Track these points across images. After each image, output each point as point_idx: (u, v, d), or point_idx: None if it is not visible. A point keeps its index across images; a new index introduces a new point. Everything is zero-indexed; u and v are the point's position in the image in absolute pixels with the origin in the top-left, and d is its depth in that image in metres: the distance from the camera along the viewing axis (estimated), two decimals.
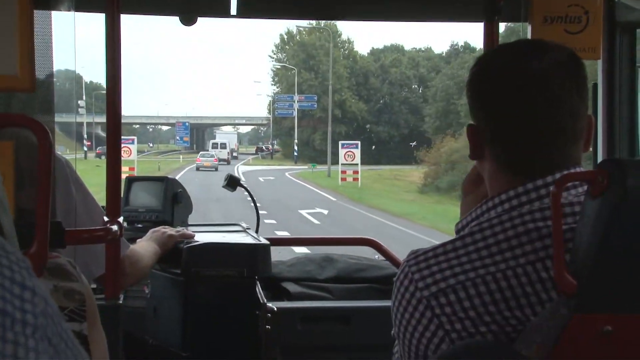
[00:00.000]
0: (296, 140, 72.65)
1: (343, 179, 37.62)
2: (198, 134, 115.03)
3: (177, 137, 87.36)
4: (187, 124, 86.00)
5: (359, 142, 39.79)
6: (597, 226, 1.12)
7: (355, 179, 37.38)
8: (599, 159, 2.57)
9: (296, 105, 73.27)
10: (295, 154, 72.57)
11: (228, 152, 69.65)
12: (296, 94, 74.12)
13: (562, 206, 1.29)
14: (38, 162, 0.92)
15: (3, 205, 0.72)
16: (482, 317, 1.24)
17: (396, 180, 45.28)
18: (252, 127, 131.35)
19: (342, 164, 38.12)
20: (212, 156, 58.58)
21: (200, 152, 66.46)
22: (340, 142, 39.42)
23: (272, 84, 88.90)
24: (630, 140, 2.58)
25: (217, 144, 73.42)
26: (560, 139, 1.34)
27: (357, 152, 37.61)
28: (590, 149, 1.46)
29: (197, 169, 53.16)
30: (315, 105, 73.47)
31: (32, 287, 0.55)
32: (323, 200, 30.39)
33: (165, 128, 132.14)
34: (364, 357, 2.78)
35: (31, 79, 1.53)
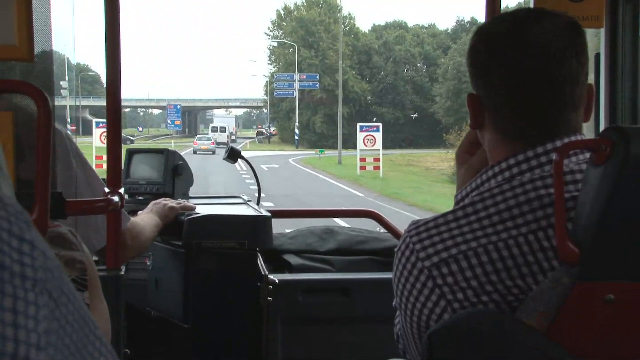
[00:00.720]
0: (297, 123, 69.17)
1: (362, 167, 31.95)
2: (190, 117, 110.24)
3: (169, 121, 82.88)
4: (178, 106, 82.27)
5: (380, 125, 33.94)
6: (600, 194, 1.11)
7: (377, 167, 31.75)
8: (602, 127, 2.56)
9: (297, 85, 70.26)
10: (296, 138, 69.02)
11: (228, 136, 69.53)
12: (296, 72, 70.87)
13: (564, 174, 1.29)
14: (37, 128, 0.91)
15: (2, 170, 0.72)
16: (484, 287, 1.24)
17: (411, 167, 39.92)
18: (245, 109, 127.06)
19: (360, 150, 32.36)
20: (208, 139, 59.46)
21: (197, 136, 67.70)
22: (358, 125, 33.43)
23: (268, 63, 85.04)
24: (633, 109, 2.56)
25: (216, 127, 73.31)
26: (560, 104, 1.34)
27: (379, 137, 32.01)
28: (593, 117, 1.46)
29: (195, 152, 53.52)
30: (318, 85, 70.28)
31: (31, 239, 0.54)
32: (347, 196, 23.99)
33: (156, 112, 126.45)
34: (365, 328, 2.79)
35: (29, 49, 1.51)
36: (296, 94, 70.77)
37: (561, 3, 2.38)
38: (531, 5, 2.40)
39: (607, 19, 2.53)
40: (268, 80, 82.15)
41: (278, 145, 76.85)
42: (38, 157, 0.93)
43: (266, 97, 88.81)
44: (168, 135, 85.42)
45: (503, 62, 1.35)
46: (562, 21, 1.36)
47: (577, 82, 1.35)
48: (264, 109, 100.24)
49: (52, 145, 0.97)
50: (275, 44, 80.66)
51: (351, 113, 71.34)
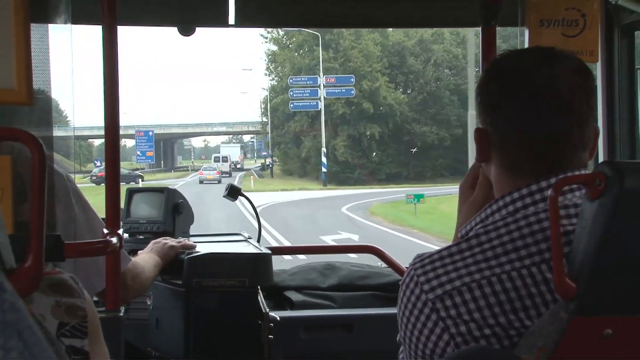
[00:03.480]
0: (324, 149, 50.97)
1: None
2: (166, 147, 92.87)
3: (138, 152, 62.14)
4: (150, 133, 63.41)
5: None
6: (595, 229, 1.11)
7: None
8: (600, 161, 2.57)
9: (322, 93, 50.42)
10: (324, 170, 50.81)
11: (229, 165, 70.00)
12: (322, 74, 50.96)
13: (567, 207, 1.31)
14: (32, 175, 0.92)
15: None
16: (487, 320, 1.24)
17: None
18: (229, 136, 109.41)
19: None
20: (214, 169, 59.83)
21: (203, 166, 66.48)
22: None
23: (266, 74, 65.26)
24: (631, 143, 2.58)
25: (219, 157, 72.86)
26: (567, 147, 1.36)
27: None
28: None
29: (201, 182, 54.72)
30: (353, 91, 50.68)
31: (0, 282, 0.54)
32: None
33: (130, 144, 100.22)
34: None
35: (28, 92, 1.53)
36: (322, 105, 50.84)
37: (556, 37, 2.41)
38: (526, 41, 2.43)
39: (603, 53, 2.55)
40: (268, 95, 64.68)
41: (289, 181, 57.31)
42: (33, 205, 0.93)
43: (262, 118, 72.97)
44: (137, 170, 62.58)
45: (512, 102, 1.37)
46: (573, 63, 1.38)
47: (586, 125, 1.37)
48: (263, 135, 78.49)
49: (46, 190, 0.98)
50: (275, 48, 61.65)
51: (383, 133, 55.02)
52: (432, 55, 57.47)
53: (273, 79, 63.72)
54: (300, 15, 3.05)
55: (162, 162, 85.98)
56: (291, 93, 52.12)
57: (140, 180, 52.53)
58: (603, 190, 1.12)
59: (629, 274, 1.13)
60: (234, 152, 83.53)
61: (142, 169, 66.03)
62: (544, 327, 1.17)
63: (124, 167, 58.72)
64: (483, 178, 1.55)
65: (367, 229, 22.23)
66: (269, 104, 63.44)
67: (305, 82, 52.32)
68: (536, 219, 1.30)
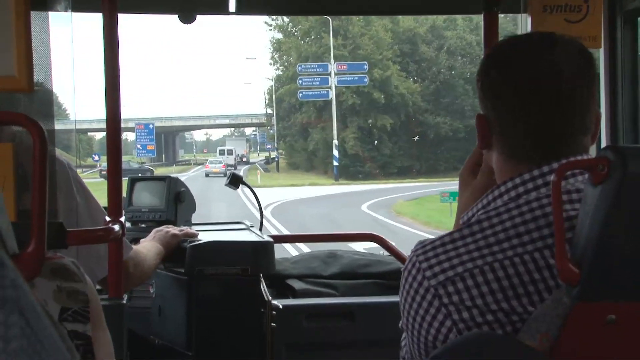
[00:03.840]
0: (335, 141, 47.25)
1: None
2: (167, 140, 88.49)
3: (139, 146, 57.94)
4: (151, 126, 59.06)
5: None
6: (598, 214, 1.11)
7: None
8: (602, 146, 2.56)
9: (333, 81, 46.49)
10: (335, 164, 47.17)
11: (235, 158, 69.80)
12: (332, 60, 47.25)
13: (570, 192, 1.30)
14: (33, 161, 0.92)
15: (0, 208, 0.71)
16: (489, 306, 1.24)
17: None
18: (231, 129, 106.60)
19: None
20: (220, 163, 59.86)
21: (209, 160, 66.19)
22: None
23: (270, 64, 62.68)
24: (634, 129, 2.57)
25: (224, 150, 72.44)
26: (569, 133, 1.36)
27: None
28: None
29: (207, 175, 54.60)
30: (367, 79, 46.96)
31: (1, 258, 0.54)
32: None
33: (131, 137, 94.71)
34: (369, 353, 2.77)
35: (29, 79, 1.52)
36: (332, 94, 47.18)
37: (559, 23, 2.40)
38: (528, 25, 2.42)
39: (606, 39, 2.54)
40: (273, 85, 60.58)
41: (296, 175, 53.70)
42: (34, 190, 0.93)
43: (267, 110, 69.37)
44: (140, 164, 57.97)
45: (514, 88, 1.37)
46: (575, 49, 1.38)
47: (588, 111, 1.37)
48: (267, 127, 74.68)
49: (48, 176, 0.98)
50: (280, 35, 58.07)
51: (395, 125, 51.86)
52: (445, 42, 53.87)
53: (278, 68, 60.53)
54: (301, 3, 3.04)
55: (163, 155, 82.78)
56: (300, 81, 47.80)
57: (150, 174, 51.41)
58: (606, 175, 1.11)
59: (632, 259, 1.12)
60: (239, 145, 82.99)
61: (143, 163, 61.14)
62: (547, 312, 1.16)
63: (131, 161, 58.26)
64: (485, 164, 1.54)
65: (397, 232, 19.08)
66: (274, 95, 59.65)
67: (315, 70, 47.99)
68: (538, 204, 1.30)
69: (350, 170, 49.49)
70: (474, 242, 1.30)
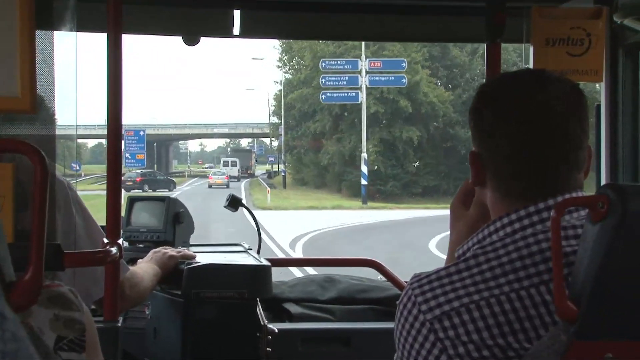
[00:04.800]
0: (364, 154, 38.19)
1: None
2: (160, 149, 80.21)
3: (127, 155, 47.72)
4: (142, 132, 50.63)
5: None
6: (597, 252, 1.11)
7: None
8: (602, 181, 2.56)
9: (363, 80, 37.26)
10: (364, 182, 37.67)
11: (238, 170, 68.89)
12: (363, 56, 37.85)
13: (566, 229, 1.30)
14: (33, 188, 0.92)
15: None
16: (485, 341, 1.23)
17: None
18: (226, 140, 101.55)
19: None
20: (223, 174, 59.75)
21: (212, 171, 65.47)
22: None
23: (278, 66, 54.16)
24: (634, 164, 2.57)
25: (227, 162, 72.21)
26: (563, 171, 1.36)
27: None
28: (594, 170, 1.47)
29: (210, 186, 53.98)
30: (405, 80, 37.99)
31: (1, 311, 0.54)
32: None
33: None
34: None
35: (32, 101, 1.53)
36: (363, 97, 38.38)
37: (561, 56, 2.41)
38: (530, 59, 2.43)
39: (607, 72, 2.56)
40: (282, 90, 52.98)
41: (307, 194, 45.80)
42: (34, 217, 0.93)
43: (273, 118, 62.72)
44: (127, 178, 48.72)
45: (506, 128, 1.37)
46: (566, 87, 1.38)
47: (580, 147, 1.37)
48: (272, 138, 69.69)
49: (48, 201, 0.98)
50: None
51: (422, 138, 43.99)
52: (479, 46, 41.92)
53: (287, 71, 53.37)
54: (305, 28, 3.06)
55: (155, 165, 73.55)
56: (323, 80, 38.16)
57: (173, 186, 50.47)
58: (606, 213, 1.11)
59: (631, 298, 1.12)
60: (245, 157, 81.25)
61: (130, 176, 51.34)
62: (544, 349, 1.16)
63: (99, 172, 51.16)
64: (477, 197, 1.54)
65: None
66: (282, 101, 52.06)
67: (342, 67, 38.63)
68: (534, 240, 1.29)
69: (370, 189, 40.49)
70: (470, 276, 1.29)
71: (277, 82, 61.89)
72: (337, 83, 38.60)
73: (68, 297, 1.22)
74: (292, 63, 52.93)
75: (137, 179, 48.55)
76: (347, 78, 38.02)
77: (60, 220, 1.98)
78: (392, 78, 37.93)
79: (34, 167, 0.93)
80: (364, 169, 37.81)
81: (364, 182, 37.86)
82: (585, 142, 1.38)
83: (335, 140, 46.18)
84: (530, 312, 1.24)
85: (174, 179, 55.70)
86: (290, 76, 53.13)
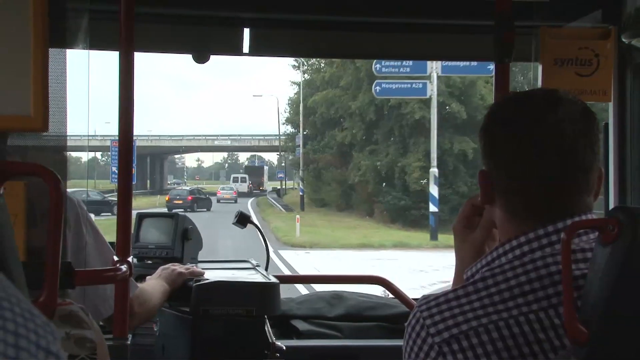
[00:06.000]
0: (434, 169, 28.60)
1: None
2: (154, 163, 73.33)
3: (113, 169, 30.28)
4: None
5: None
6: (608, 274, 1.11)
7: None
8: (611, 202, 2.56)
9: (435, 69, 28.49)
10: (434, 209, 28.15)
11: (248, 186, 70.22)
12: None
13: (575, 252, 1.30)
14: (49, 209, 0.93)
15: (14, 253, 0.73)
16: None
17: None
18: (224, 156, 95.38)
19: None
20: (231, 189, 61.52)
21: (221, 186, 65.87)
22: None
23: (294, 66, 47.66)
24: None
25: (237, 177, 72.64)
26: (573, 193, 1.36)
27: None
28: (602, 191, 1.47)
29: (218, 201, 55.39)
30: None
31: (57, 352, 0.56)
32: None
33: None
34: None
35: (44, 119, 1.53)
36: (433, 89, 29.28)
37: (570, 77, 2.42)
38: (539, 79, 2.44)
39: (615, 92, 2.56)
40: (300, 91, 46.08)
41: (334, 218, 37.96)
42: (49, 239, 0.94)
43: (287, 127, 55.48)
44: (108, 194, 42.43)
45: (517, 149, 1.37)
46: (578, 108, 1.38)
47: (590, 170, 1.37)
48: (280, 153, 62.06)
49: (63, 220, 0.99)
50: None
51: (477, 151, 28.80)
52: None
53: (306, 71, 46.14)
54: (314, 46, 3.08)
55: (148, 182, 69.32)
56: (377, 67, 28.44)
57: (210, 204, 47.43)
58: (616, 236, 1.11)
59: None
60: (257, 173, 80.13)
61: (108, 191, 45.17)
62: None
63: (94, 190, 45.25)
64: (485, 219, 1.54)
65: None
66: (301, 105, 44.70)
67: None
68: (543, 263, 1.29)
69: (411, 215, 34.32)
70: (478, 299, 1.29)
71: (293, 84, 52.32)
72: (397, 70, 28.69)
73: (79, 316, 1.23)
74: (311, 61, 45.06)
75: (188, 198, 45.68)
76: (409, 65, 28.20)
77: (71, 238, 1.99)
78: (475, 65, 26.88)
79: (49, 189, 0.94)
80: (434, 190, 28.29)
81: (433, 208, 28.22)
82: (596, 164, 1.38)
83: (367, 153, 38.56)
84: (539, 336, 1.24)
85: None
86: (309, 77, 46.29)
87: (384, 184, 36.64)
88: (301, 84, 46.15)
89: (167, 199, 45.11)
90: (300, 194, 46.66)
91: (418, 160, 35.47)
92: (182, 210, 36.34)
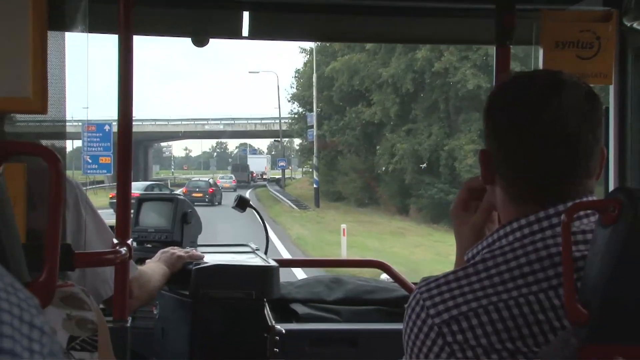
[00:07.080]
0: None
1: None
2: (137, 152, 62.63)
3: (87, 158, 26.43)
4: (106, 128, 27.35)
5: None
6: (608, 255, 1.11)
7: None
8: (611, 185, 2.56)
9: None
10: None
11: (248, 175, 70.81)
12: None
13: (575, 234, 1.30)
14: (49, 190, 0.92)
15: (14, 235, 0.72)
16: (494, 346, 1.23)
17: None
18: (213, 144, 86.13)
19: None
20: (230, 178, 62.08)
21: (220, 175, 66.53)
22: None
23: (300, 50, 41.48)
24: None
25: (237, 166, 73.06)
26: (574, 177, 1.35)
27: None
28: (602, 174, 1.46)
29: None
30: None
31: (40, 326, 0.56)
32: None
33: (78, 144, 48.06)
34: None
35: (44, 101, 1.53)
36: None
37: (571, 60, 2.41)
38: (540, 61, 2.43)
39: (616, 75, 2.55)
40: (314, 60, 37.77)
41: (360, 218, 29.12)
42: (50, 220, 0.94)
43: (292, 106, 47.12)
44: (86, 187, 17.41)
45: (519, 131, 1.36)
46: (581, 92, 1.36)
47: (592, 154, 1.36)
48: (281, 139, 55.52)
49: (63, 203, 0.98)
50: None
51: None
52: None
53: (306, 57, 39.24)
54: (315, 30, 3.07)
55: (131, 172, 59.17)
56: None
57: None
58: (617, 217, 1.11)
59: None
60: (259, 163, 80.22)
61: (102, 182, 40.98)
62: (554, 353, 1.16)
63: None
64: (486, 201, 1.53)
65: None
66: (314, 76, 36.85)
67: None
68: (543, 245, 1.29)
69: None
70: (478, 281, 1.29)
71: (303, 51, 43.02)
72: None
73: (80, 297, 1.23)
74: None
75: (209, 190, 41.35)
76: None
77: (70, 220, 1.99)
78: None
79: (50, 170, 0.94)
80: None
81: None
82: (597, 148, 1.36)
83: (403, 134, 31.33)
84: (538, 317, 1.24)
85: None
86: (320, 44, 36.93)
87: (425, 173, 30.14)
88: (314, 50, 38.23)
89: (184, 191, 39.32)
90: (315, 186, 38.35)
91: (471, 142, 28.26)
92: (203, 204, 33.49)
